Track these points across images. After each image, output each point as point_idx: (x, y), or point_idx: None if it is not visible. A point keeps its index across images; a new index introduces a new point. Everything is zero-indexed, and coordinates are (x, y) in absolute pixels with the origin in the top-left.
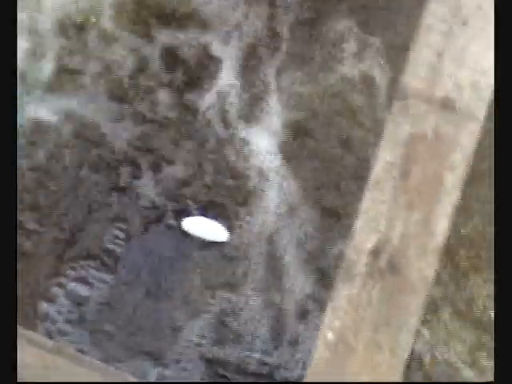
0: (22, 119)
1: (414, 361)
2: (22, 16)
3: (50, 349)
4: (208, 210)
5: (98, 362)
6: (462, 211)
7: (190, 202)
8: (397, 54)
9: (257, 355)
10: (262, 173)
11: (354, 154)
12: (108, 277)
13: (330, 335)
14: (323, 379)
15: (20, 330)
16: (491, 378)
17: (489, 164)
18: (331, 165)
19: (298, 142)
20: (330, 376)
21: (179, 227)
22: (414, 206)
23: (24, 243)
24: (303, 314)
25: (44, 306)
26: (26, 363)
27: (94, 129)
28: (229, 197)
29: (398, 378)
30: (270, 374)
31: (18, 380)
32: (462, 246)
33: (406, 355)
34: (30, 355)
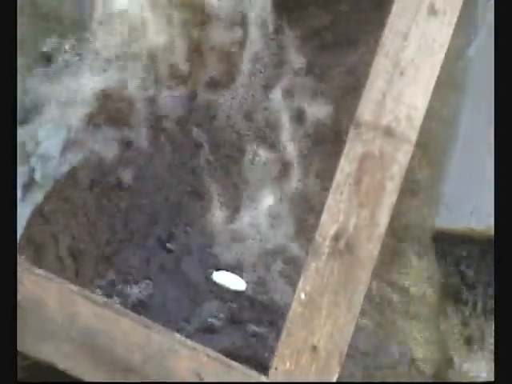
0: None
1: None
2: None
3: (100, 303)
4: None
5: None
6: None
7: None
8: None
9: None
10: None
11: None
12: None
13: (302, 295)
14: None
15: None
16: None
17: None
18: None
19: None
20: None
21: None
22: (363, 205)
23: None
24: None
25: None
26: (79, 311)
27: None
28: None
29: (352, 327)
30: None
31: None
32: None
33: (357, 311)
34: (83, 306)
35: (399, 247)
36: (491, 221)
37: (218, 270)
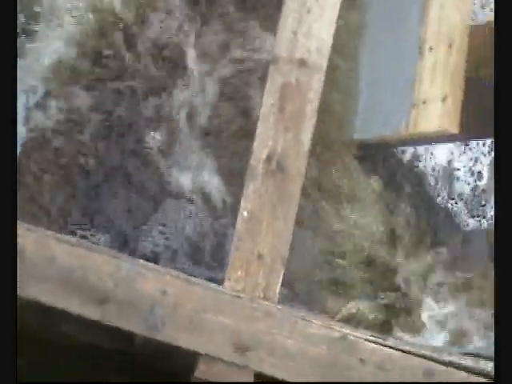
0: None
1: None
2: None
3: (74, 243)
4: None
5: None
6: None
7: None
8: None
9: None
10: None
11: None
12: None
13: (245, 213)
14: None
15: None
16: None
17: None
18: None
19: None
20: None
21: None
22: (288, 128)
23: None
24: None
25: None
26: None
27: None
28: None
29: (290, 234)
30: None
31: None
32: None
33: (293, 220)
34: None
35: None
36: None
37: None
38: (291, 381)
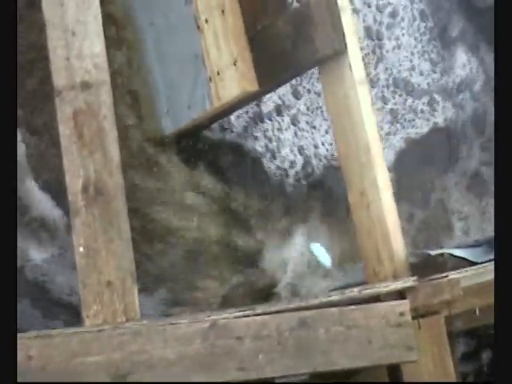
0: None
1: None
2: None
3: None
4: None
5: None
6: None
7: None
8: None
9: None
10: None
11: None
12: None
13: (81, 249)
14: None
15: None
16: None
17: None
18: None
19: None
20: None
21: None
22: (93, 151)
23: None
24: None
25: None
26: None
27: None
28: None
29: (130, 250)
30: None
31: None
32: None
33: (129, 235)
34: None
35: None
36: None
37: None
38: None
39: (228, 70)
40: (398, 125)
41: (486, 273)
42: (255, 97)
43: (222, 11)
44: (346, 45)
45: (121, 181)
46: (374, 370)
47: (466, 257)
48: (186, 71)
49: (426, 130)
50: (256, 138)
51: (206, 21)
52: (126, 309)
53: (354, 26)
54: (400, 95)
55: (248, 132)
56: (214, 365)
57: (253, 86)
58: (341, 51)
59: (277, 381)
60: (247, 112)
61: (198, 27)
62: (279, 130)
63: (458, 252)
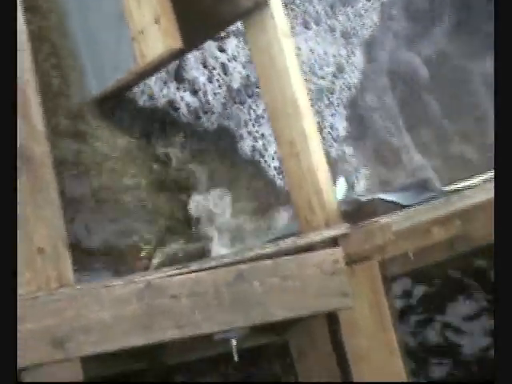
0: None
1: None
2: None
3: None
4: None
5: None
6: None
7: None
8: None
9: None
10: None
11: None
12: None
13: None
14: None
15: None
16: None
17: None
18: None
19: None
20: None
21: None
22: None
23: None
24: None
25: None
26: None
27: None
28: None
29: (61, 218)
30: None
31: None
32: None
33: (58, 204)
34: None
35: None
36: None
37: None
38: (119, 347)
39: (151, 28)
40: None
41: (417, 215)
42: (180, 54)
43: None
44: None
45: (47, 148)
46: (312, 318)
47: (396, 200)
48: (110, 32)
49: None
50: None
51: None
52: (59, 275)
53: None
54: None
55: None
56: (151, 324)
57: (177, 44)
58: (263, 2)
59: (216, 337)
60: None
61: None
62: None
63: (388, 196)
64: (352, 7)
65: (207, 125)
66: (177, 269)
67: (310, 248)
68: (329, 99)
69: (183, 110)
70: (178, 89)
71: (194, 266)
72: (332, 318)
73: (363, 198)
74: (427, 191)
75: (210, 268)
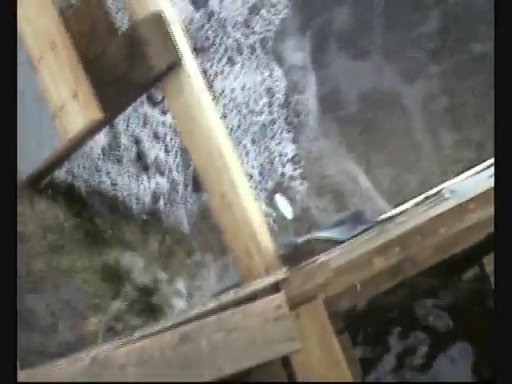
0: None
1: None
2: None
3: None
4: None
5: None
6: None
7: None
8: None
9: None
10: None
11: None
12: None
13: None
14: None
15: None
16: None
17: None
18: None
19: None
20: None
21: None
22: None
23: None
24: None
25: None
26: None
27: None
28: None
29: None
30: None
31: None
32: None
33: None
34: None
35: None
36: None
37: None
38: None
39: (70, 103)
40: None
41: (355, 248)
42: (103, 124)
43: (53, 47)
44: (180, 55)
45: None
46: (267, 366)
47: (332, 237)
48: (30, 113)
49: None
50: None
51: (40, 59)
52: None
53: (186, 35)
54: None
55: None
56: None
57: (97, 115)
58: (177, 63)
59: None
60: None
61: (33, 68)
62: None
63: (323, 234)
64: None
65: None
66: (121, 340)
67: (252, 297)
68: (272, 130)
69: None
70: (149, 178)
71: (138, 333)
72: (287, 362)
73: (299, 240)
74: (361, 223)
75: (154, 333)
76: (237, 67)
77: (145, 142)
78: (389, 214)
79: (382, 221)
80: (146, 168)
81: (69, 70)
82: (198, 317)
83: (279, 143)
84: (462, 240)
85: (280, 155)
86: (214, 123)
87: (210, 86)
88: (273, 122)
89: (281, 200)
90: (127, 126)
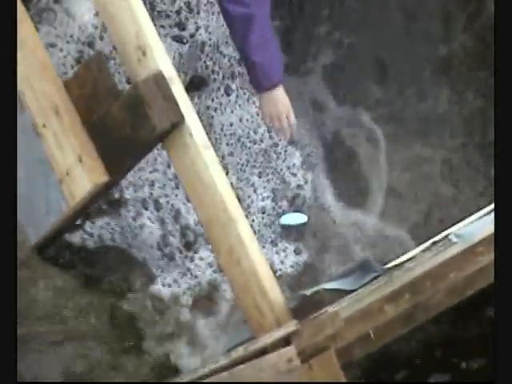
0: None
1: None
2: None
3: None
4: None
5: None
6: None
7: None
8: None
9: None
10: None
11: None
12: None
13: None
14: None
15: None
16: None
17: None
18: None
19: None
20: None
21: None
22: None
23: None
24: None
25: None
26: None
27: None
28: None
29: None
30: None
31: None
32: None
33: None
34: None
35: None
36: (62, 205)
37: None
38: None
39: (76, 167)
40: None
41: (365, 297)
42: (109, 186)
43: (56, 111)
44: (182, 114)
45: None
46: None
47: (340, 287)
48: (37, 179)
49: None
50: None
51: (44, 126)
52: None
53: (186, 94)
54: None
55: None
56: None
57: (103, 178)
58: (179, 121)
59: None
60: None
61: (38, 134)
62: None
63: (332, 285)
64: None
65: None
66: None
67: (263, 351)
68: (275, 152)
69: None
70: None
71: None
72: None
73: (308, 292)
74: (369, 272)
75: None
76: (232, 98)
77: None
78: (397, 261)
79: (390, 268)
80: None
81: (73, 135)
82: (210, 374)
83: (285, 159)
84: (473, 283)
85: (288, 168)
86: (218, 179)
87: (210, 124)
88: (275, 144)
89: (289, 216)
90: None
